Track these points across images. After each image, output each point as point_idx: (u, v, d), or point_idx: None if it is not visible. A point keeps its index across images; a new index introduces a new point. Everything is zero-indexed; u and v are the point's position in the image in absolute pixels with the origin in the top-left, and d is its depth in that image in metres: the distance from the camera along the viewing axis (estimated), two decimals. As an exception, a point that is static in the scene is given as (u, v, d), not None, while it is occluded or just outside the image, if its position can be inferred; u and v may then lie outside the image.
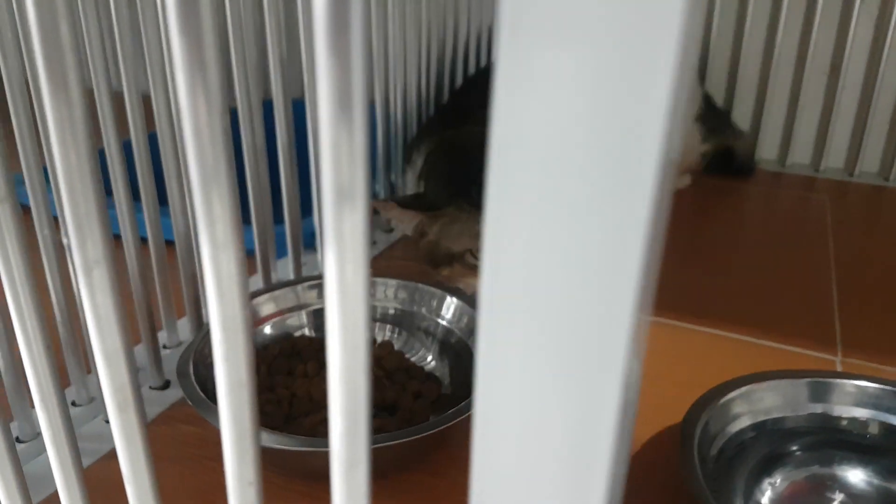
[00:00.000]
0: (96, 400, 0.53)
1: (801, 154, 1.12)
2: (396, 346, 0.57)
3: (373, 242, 0.81)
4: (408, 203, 0.67)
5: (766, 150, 1.13)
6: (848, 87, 1.06)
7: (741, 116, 1.13)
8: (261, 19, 0.59)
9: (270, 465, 0.48)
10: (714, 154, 1.05)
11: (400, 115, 0.84)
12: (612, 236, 0.15)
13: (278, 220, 0.68)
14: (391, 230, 0.84)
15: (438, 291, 0.57)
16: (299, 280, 0.56)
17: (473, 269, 0.62)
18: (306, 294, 0.56)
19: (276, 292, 0.55)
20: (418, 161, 0.77)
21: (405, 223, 0.68)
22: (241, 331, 0.23)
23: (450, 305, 0.56)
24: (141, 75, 0.49)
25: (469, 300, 0.55)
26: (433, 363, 0.56)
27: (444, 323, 0.56)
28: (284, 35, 0.61)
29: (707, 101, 1.04)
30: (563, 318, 0.16)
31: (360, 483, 0.23)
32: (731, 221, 0.93)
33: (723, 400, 0.43)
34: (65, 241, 0.36)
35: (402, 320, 0.58)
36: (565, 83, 0.14)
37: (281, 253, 0.71)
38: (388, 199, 0.71)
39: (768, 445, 0.43)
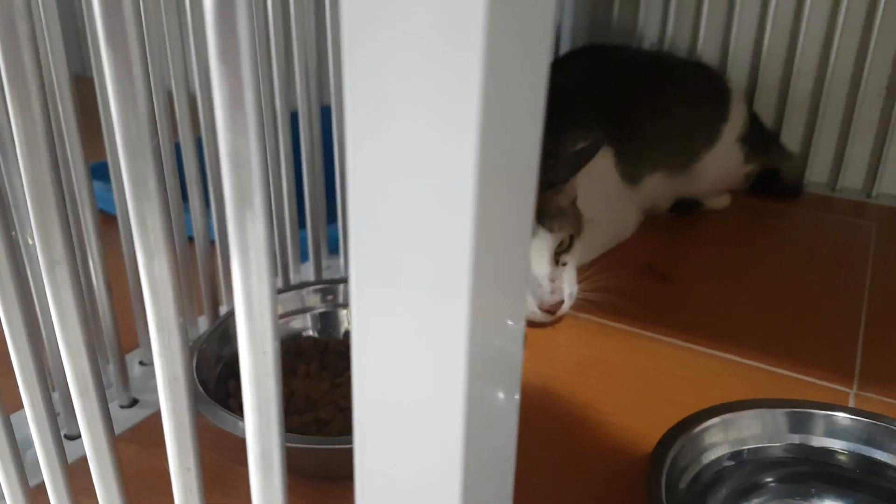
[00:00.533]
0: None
1: (852, 178, 1.08)
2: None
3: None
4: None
5: (816, 173, 1.10)
6: (904, 110, 1.02)
7: (791, 137, 1.10)
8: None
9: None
10: (760, 175, 1.03)
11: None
12: (444, 227, 0.17)
13: (303, 225, 0.71)
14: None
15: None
16: (304, 284, 0.59)
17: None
18: (311, 298, 0.58)
19: (283, 295, 0.58)
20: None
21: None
22: (175, 331, 0.25)
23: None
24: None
25: None
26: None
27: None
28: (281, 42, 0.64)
29: (753, 121, 1.02)
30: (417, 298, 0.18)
31: (274, 474, 0.25)
32: (767, 244, 0.91)
33: (698, 428, 0.43)
34: (30, 241, 0.39)
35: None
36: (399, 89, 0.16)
37: (307, 257, 0.74)
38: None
39: (744, 475, 0.43)
